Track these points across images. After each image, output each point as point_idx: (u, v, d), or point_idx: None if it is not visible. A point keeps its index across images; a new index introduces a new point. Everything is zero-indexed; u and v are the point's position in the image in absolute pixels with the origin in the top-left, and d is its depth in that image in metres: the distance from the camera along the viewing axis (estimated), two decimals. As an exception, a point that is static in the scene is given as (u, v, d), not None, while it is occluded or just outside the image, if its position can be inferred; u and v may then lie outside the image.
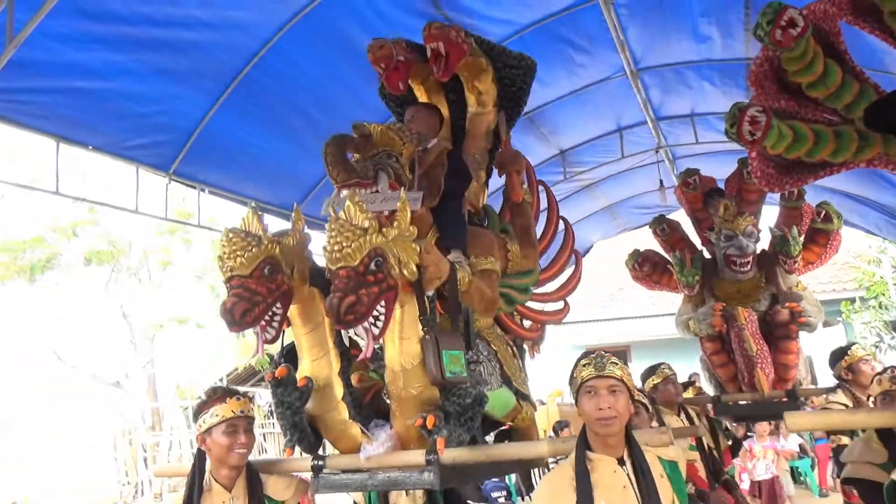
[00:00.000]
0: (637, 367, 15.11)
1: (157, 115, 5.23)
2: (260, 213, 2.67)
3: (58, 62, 4.04)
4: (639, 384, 4.72)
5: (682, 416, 4.88)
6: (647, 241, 6.57)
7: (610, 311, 17.29)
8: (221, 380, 16.47)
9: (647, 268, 5.85)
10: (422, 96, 3.86)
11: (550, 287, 3.97)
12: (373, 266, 2.31)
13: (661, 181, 9.92)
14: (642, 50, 6.77)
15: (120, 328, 17.67)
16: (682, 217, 6.14)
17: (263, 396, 16.18)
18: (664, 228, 5.91)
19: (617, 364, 2.50)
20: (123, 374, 17.61)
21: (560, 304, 3.94)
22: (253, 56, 5.24)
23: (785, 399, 4.91)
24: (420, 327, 2.53)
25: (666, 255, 5.84)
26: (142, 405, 17.30)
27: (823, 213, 5.27)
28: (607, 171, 10.32)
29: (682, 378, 5.96)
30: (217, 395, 2.80)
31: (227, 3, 4.47)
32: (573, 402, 2.54)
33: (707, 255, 5.52)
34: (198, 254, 18.67)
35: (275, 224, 7.03)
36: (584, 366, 2.54)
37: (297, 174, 6.72)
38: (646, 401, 3.89)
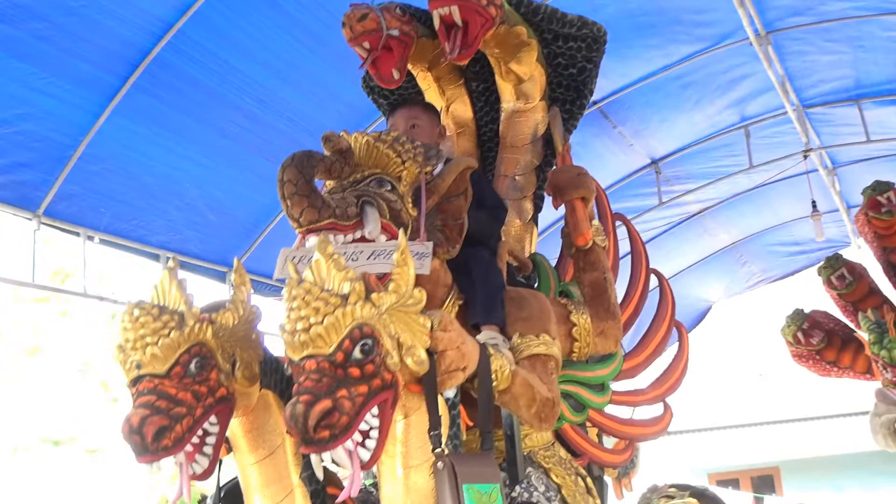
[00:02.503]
0: (791, 498, 14.91)
1: (15, 124, 5.36)
2: (181, 278, 2.68)
3: None
4: None
5: None
6: (800, 297, 6.55)
7: (745, 413, 17.13)
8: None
9: (818, 339, 5.80)
10: (429, 88, 3.94)
11: (642, 381, 3.98)
12: (358, 353, 2.32)
13: (813, 203, 9.95)
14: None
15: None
16: (861, 256, 6.10)
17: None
18: (843, 276, 5.86)
19: (674, 497, 2.54)
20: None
21: (659, 409, 3.95)
22: (165, 29, 5.39)
23: None
24: (432, 448, 2.55)
25: (847, 320, 5.79)
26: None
27: None
28: (728, 189, 10.39)
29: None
30: None
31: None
32: None
33: None
34: (83, 334, 18.75)
35: (205, 289, 7.09)
36: None
37: (237, 212, 6.84)
38: None
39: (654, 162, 9.41)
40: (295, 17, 5.65)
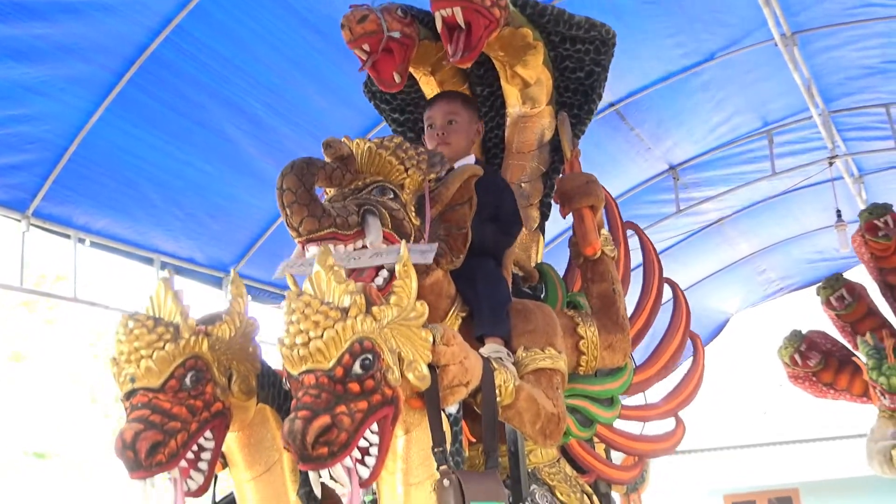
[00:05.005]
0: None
1: (6, 125, 5.44)
2: (177, 289, 2.73)
3: None
4: None
5: None
6: (819, 311, 6.58)
7: (763, 431, 17.13)
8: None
9: (815, 361, 5.86)
10: (432, 93, 3.95)
11: (654, 395, 4.02)
12: (358, 368, 2.34)
13: (838, 212, 9.95)
14: None
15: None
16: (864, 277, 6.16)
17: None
18: (842, 297, 5.94)
19: None
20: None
21: (671, 424, 3.99)
22: (163, 24, 5.42)
23: None
24: (435, 465, 2.57)
25: (845, 341, 5.85)
26: None
27: None
28: (749, 196, 10.39)
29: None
30: None
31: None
32: None
33: None
34: (72, 342, 18.74)
35: (202, 296, 7.11)
36: None
37: (237, 215, 6.87)
38: None
39: (672, 168, 9.43)
40: (302, 15, 5.67)
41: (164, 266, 6.58)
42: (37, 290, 10.17)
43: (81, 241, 6.27)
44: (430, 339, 2.52)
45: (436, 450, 2.55)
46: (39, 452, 18.22)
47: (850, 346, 5.80)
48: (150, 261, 6.66)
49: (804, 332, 5.97)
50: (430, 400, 2.53)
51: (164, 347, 2.56)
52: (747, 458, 16.71)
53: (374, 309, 2.42)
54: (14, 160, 5.60)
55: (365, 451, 2.35)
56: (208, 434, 2.62)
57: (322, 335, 2.34)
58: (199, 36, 5.58)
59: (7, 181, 5.69)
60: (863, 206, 9.98)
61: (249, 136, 6.28)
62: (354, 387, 2.33)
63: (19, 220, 5.86)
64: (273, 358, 2.69)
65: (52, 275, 14.83)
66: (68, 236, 6.21)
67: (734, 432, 16.78)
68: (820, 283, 6.06)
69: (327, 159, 2.91)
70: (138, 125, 5.87)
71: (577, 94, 3.97)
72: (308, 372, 2.35)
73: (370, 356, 2.36)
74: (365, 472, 2.35)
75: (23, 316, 18.63)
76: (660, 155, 9.13)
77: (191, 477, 2.60)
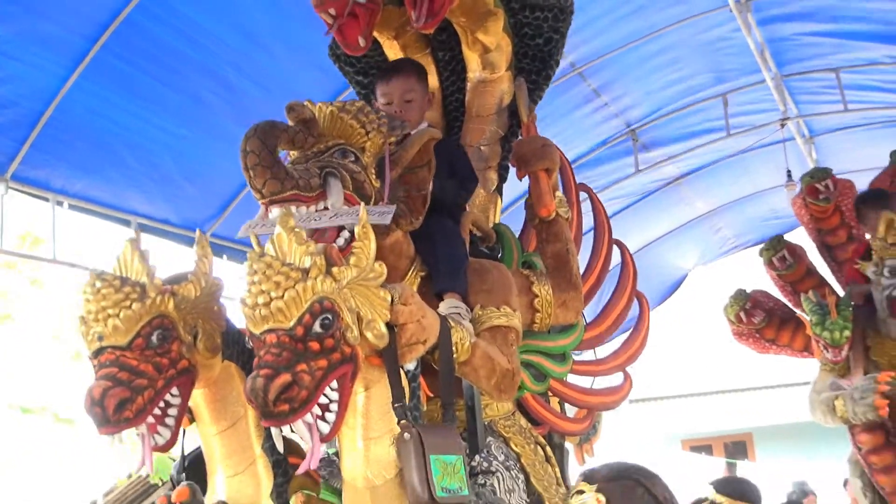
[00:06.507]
0: (764, 464, 15.10)
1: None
2: (143, 249, 2.72)
3: None
4: None
5: None
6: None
7: (719, 380, 17.29)
8: None
9: (759, 318, 5.90)
10: (395, 57, 3.93)
11: (603, 351, 4.04)
12: (318, 327, 2.34)
13: (788, 172, 10.02)
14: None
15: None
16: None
17: (163, 530, 16.11)
18: (784, 258, 5.98)
19: (584, 492, 2.62)
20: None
21: (619, 378, 3.99)
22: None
23: None
24: (395, 420, 2.57)
25: (786, 301, 5.91)
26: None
27: None
28: (705, 157, 10.44)
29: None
30: None
31: None
32: None
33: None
34: (53, 301, 18.66)
35: (176, 255, 7.09)
36: None
37: (211, 177, 6.84)
38: None
39: (630, 129, 9.44)
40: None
41: (140, 228, 6.54)
42: (17, 252, 10.13)
43: (59, 203, 6.24)
44: (389, 299, 2.52)
45: (395, 405, 2.57)
46: (25, 407, 18.17)
47: (790, 305, 5.85)
48: (126, 222, 6.63)
49: (749, 291, 6.01)
50: (389, 357, 2.55)
51: (130, 306, 2.56)
52: (704, 405, 16.89)
53: (334, 270, 2.43)
54: (-10, 126, 5.53)
55: (325, 408, 2.36)
56: (175, 390, 2.62)
57: (283, 295, 2.34)
58: (170, 1, 5.52)
59: (-15, 145, 5.62)
60: (813, 166, 10.08)
61: (222, 99, 6.24)
62: (314, 345, 2.34)
63: (-1, 184, 5.81)
64: (238, 318, 2.67)
65: (31, 237, 14.73)
66: (46, 199, 6.17)
67: (691, 381, 16.94)
68: (762, 245, 6.10)
69: (290, 122, 2.89)
70: (112, 90, 5.83)
71: (535, 61, 3.96)
72: (270, 331, 2.35)
73: (330, 316, 2.37)
74: (325, 428, 2.36)
75: (7, 276, 18.51)
76: (618, 112, 9.13)
77: (158, 432, 2.60)
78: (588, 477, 2.81)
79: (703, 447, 17.03)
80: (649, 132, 9.61)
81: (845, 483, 10.56)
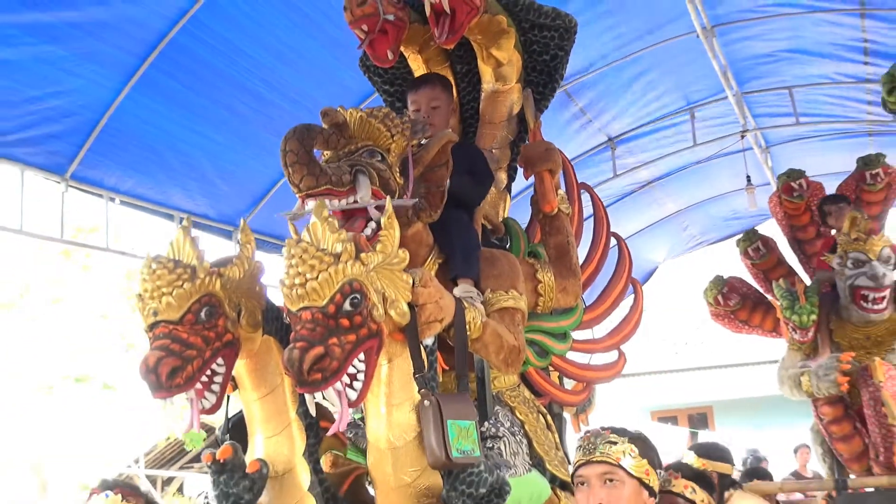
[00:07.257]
0: (722, 433, 15.19)
1: (47, 101, 5.35)
2: (193, 236, 2.69)
3: None
4: None
5: None
6: (731, 262, 6.62)
7: (684, 359, 17.36)
8: (137, 461, 16.45)
9: (734, 301, 5.90)
10: (419, 69, 3.93)
11: (600, 331, 4.02)
12: (347, 305, 2.34)
13: (748, 177, 10.01)
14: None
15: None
16: (774, 231, 6.19)
17: (196, 485, 16.15)
18: (758, 248, 5.97)
19: (616, 443, 2.59)
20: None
21: (614, 355, 3.98)
22: (180, 15, 5.36)
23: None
24: (415, 389, 2.56)
25: (758, 286, 5.91)
26: None
27: None
28: (674, 164, 10.42)
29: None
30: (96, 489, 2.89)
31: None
32: None
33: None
34: (102, 285, 18.65)
35: (214, 246, 7.11)
36: (577, 448, 2.71)
37: (244, 178, 6.84)
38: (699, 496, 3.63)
39: (610, 140, 9.43)
40: (297, 6, 5.62)
41: (182, 221, 6.56)
42: (74, 241, 10.20)
43: (112, 199, 6.25)
44: (410, 282, 2.53)
45: (416, 375, 2.57)
46: (78, 377, 18.22)
47: (762, 290, 5.87)
48: (170, 217, 6.65)
49: (726, 277, 6.03)
50: (410, 333, 2.54)
51: (182, 286, 2.54)
52: (671, 381, 16.97)
53: (363, 255, 2.42)
54: (53, 130, 5.53)
55: (353, 377, 2.36)
56: (220, 361, 2.60)
57: (317, 277, 2.34)
58: (211, 25, 5.52)
59: (48, 148, 5.63)
60: (769, 173, 10.08)
61: (253, 110, 6.24)
62: (345, 322, 2.34)
63: (59, 182, 5.83)
64: (276, 298, 2.66)
65: (87, 228, 14.77)
66: (101, 196, 6.18)
67: (660, 360, 16.98)
68: (740, 236, 6.15)
69: (324, 126, 2.89)
70: (159, 101, 5.83)
71: (542, 75, 3.96)
72: (305, 309, 2.35)
73: (358, 296, 2.37)
74: (353, 395, 2.36)
75: (62, 264, 18.54)
76: (600, 128, 9.12)
77: (205, 397, 2.60)
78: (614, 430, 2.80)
79: (669, 418, 17.07)
80: (626, 142, 9.60)
81: (796, 450, 10.58)
